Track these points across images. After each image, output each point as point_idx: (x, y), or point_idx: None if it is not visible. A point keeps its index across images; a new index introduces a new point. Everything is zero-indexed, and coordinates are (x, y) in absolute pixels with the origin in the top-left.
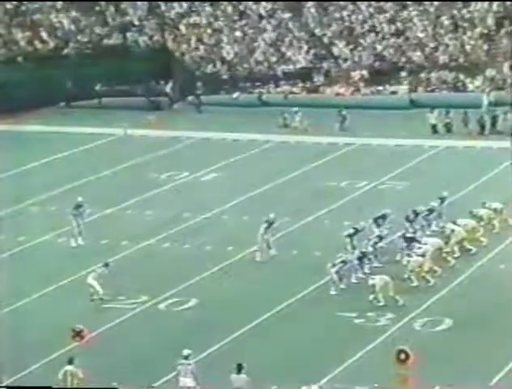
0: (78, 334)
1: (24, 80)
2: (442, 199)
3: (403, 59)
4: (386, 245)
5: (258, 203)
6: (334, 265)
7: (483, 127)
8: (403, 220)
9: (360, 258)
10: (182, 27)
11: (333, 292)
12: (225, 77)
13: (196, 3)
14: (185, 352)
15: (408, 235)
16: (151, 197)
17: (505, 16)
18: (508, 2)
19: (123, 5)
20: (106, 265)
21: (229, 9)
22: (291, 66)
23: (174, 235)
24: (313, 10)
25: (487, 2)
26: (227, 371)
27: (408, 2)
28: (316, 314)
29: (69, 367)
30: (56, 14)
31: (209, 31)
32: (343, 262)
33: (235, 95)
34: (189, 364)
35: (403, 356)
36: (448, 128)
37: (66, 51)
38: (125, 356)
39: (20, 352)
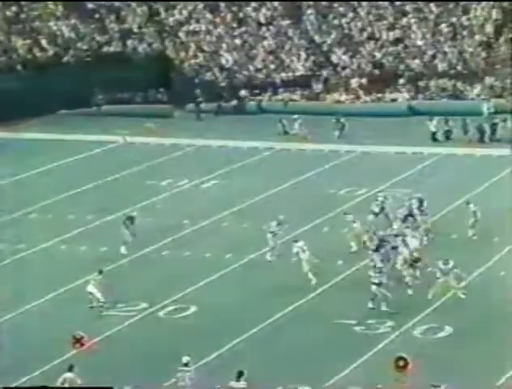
0: (78, 341)
1: (24, 88)
2: (421, 201)
3: (402, 67)
4: None
5: (257, 210)
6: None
7: (482, 135)
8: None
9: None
10: (182, 35)
11: (385, 309)
12: (224, 84)
13: (196, 10)
14: (185, 359)
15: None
16: (150, 204)
17: (504, 24)
18: (506, 10)
19: (123, 12)
20: (100, 272)
21: (229, 16)
22: (290, 74)
23: (174, 242)
24: (312, 17)
25: (486, 10)
26: (227, 378)
27: (408, 9)
28: (315, 321)
29: (68, 374)
30: (55, 21)
31: (208, 38)
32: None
33: (234, 102)
34: (189, 371)
35: (401, 362)
36: (447, 136)
37: (65, 59)
38: (124, 363)
39: (20, 359)
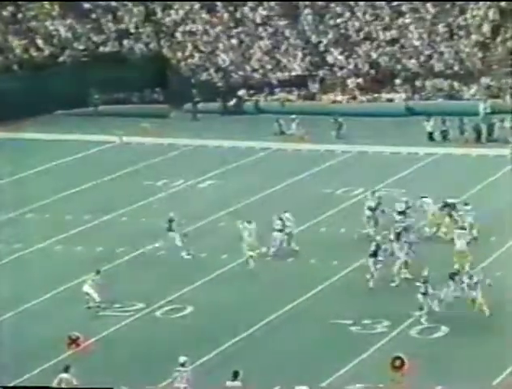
0: (74, 341)
1: (20, 88)
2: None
3: (399, 67)
4: None
5: (253, 210)
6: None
7: (479, 135)
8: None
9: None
10: (178, 35)
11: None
12: (221, 84)
13: (193, 10)
14: (182, 359)
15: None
16: (146, 204)
17: (501, 24)
18: (503, 10)
19: (119, 12)
20: (98, 272)
21: (225, 16)
22: (286, 74)
23: (170, 242)
24: (309, 17)
25: (482, 10)
26: (223, 378)
27: (404, 10)
28: (311, 321)
29: (64, 375)
30: (52, 21)
31: (205, 38)
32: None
33: (232, 102)
34: (186, 371)
35: (398, 362)
36: (444, 136)
37: (61, 59)
38: (121, 363)
39: (16, 360)
